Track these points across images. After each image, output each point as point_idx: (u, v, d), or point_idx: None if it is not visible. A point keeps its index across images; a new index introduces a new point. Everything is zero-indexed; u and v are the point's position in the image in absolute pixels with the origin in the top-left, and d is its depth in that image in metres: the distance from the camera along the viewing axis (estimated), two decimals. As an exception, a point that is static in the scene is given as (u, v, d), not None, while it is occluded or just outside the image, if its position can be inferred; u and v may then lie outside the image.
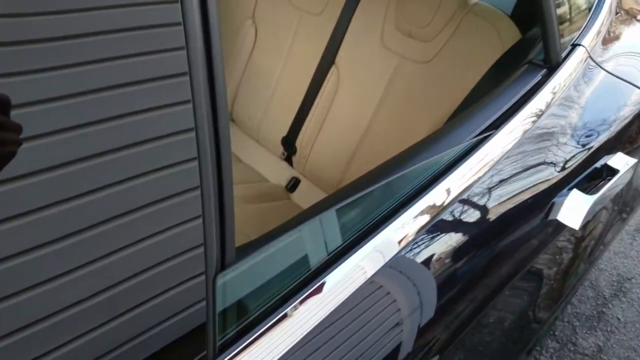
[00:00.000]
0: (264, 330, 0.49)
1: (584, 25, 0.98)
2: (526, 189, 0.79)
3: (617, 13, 1.13)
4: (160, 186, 0.37)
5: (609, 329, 1.67)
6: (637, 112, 1.01)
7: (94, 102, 0.33)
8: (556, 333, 1.64)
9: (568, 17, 0.95)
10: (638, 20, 1.19)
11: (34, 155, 0.31)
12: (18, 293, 0.32)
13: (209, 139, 0.39)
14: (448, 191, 0.68)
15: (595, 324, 1.68)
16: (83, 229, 0.34)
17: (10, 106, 0.30)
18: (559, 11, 0.90)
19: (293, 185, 1.38)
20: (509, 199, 0.76)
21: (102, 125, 0.33)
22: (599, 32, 0.99)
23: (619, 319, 1.70)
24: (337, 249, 0.57)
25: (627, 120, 0.97)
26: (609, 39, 1.04)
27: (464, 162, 0.70)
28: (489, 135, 0.74)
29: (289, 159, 1.38)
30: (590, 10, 1.03)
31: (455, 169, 0.69)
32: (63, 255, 0.34)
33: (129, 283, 0.37)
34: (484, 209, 0.73)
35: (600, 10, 1.04)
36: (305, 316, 0.52)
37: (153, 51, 0.35)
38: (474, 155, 0.71)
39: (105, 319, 0.37)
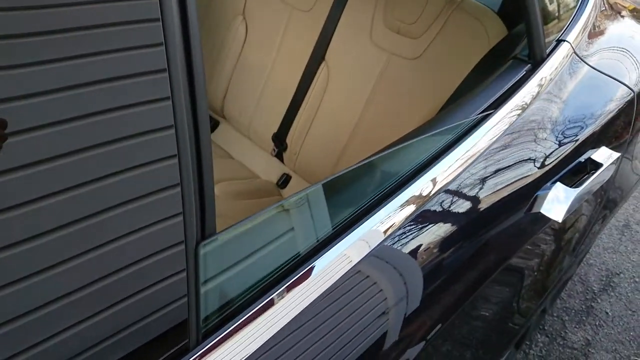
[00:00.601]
0: (250, 316, 0.49)
1: (569, 21, 0.99)
2: (510, 182, 0.80)
3: (602, 8, 1.15)
4: (141, 183, 0.37)
5: (597, 323, 1.69)
6: (621, 106, 1.02)
7: (73, 98, 0.33)
8: (545, 327, 1.66)
9: (556, 14, 0.96)
10: (622, 16, 1.21)
11: (18, 151, 0.31)
12: (3, 287, 0.32)
13: (189, 135, 0.39)
14: (432, 182, 0.69)
15: (584, 318, 1.70)
16: (67, 224, 0.34)
17: None
18: (549, 8, 0.92)
19: (284, 181, 1.39)
20: (493, 191, 0.77)
21: (84, 121, 0.34)
22: (584, 28, 1.00)
23: (607, 313, 1.73)
24: (324, 237, 0.58)
25: (611, 115, 0.99)
26: (594, 33, 1.05)
27: (449, 153, 0.71)
28: (473, 129, 0.75)
29: (279, 155, 1.39)
30: (576, 7, 1.04)
31: (440, 161, 0.70)
32: (45, 250, 0.34)
33: (111, 278, 0.38)
34: (468, 201, 0.74)
35: (586, 6, 1.05)
36: (290, 303, 0.53)
37: (132, 47, 0.35)
38: (458, 148, 0.72)
39: (87, 314, 0.37)
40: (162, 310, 0.42)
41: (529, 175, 0.82)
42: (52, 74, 0.32)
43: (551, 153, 0.86)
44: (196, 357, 0.45)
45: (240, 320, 0.48)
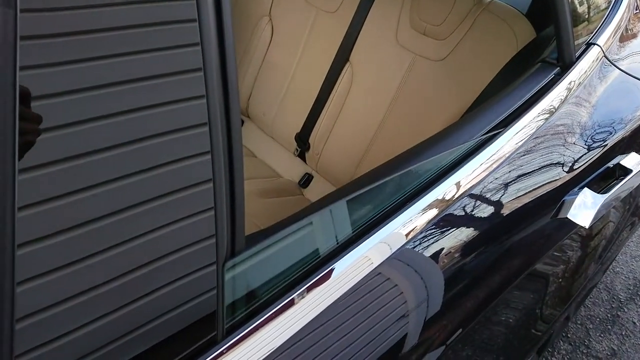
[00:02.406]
0: (271, 315, 0.50)
1: (600, 24, 0.97)
2: (537, 187, 0.79)
3: (636, 11, 1.12)
4: (174, 178, 0.38)
5: (623, 333, 1.65)
6: (653, 112, 1.00)
7: (111, 95, 0.34)
8: (569, 335, 1.63)
9: (586, 16, 0.94)
10: (657, 19, 1.18)
11: (53, 146, 0.33)
12: (35, 277, 0.34)
13: (222, 132, 0.40)
14: (457, 186, 0.69)
15: (609, 327, 1.66)
16: (100, 217, 0.36)
17: (30, 98, 0.31)
18: (579, 10, 0.90)
19: (306, 181, 1.40)
20: (518, 196, 0.76)
21: (119, 118, 0.35)
22: (615, 31, 0.98)
23: (634, 323, 1.68)
24: (345, 239, 0.59)
25: (642, 120, 0.97)
26: (626, 36, 1.03)
27: (474, 157, 0.71)
28: (499, 132, 0.74)
29: (302, 155, 1.40)
30: (608, 9, 1.02)
31: (465, 165, 0.70)
32: (81, 241, 0.35)
33: (144, 270, 0.39)
34: (492, 205, 0.73)
35: (619, 8, 1.03)
36: (311, 303, 0.54)
37: (169, 47, 0.36)
38: (483, 152, 0.72)
39: (120, 304, 0.39)
40: (193, 302, 0.43)
41: (555, 180, 0.81)
42: (92, 71, 0.33)
43: (579, 158, 0.84)
44: (223, 350, 0.46)
45: (266, 316, 0.50)
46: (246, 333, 0.48)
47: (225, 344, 0.46)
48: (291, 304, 0.52)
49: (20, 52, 0.30)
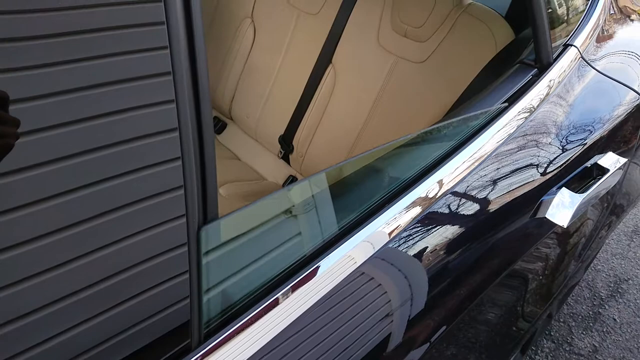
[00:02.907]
0: (253, 316, 0.50)
1: (577, 25, 0.99)
2: (516, 187, 0.80)
3: (611, 12, 1.14)
4: (145, 184, 0.38)
5: (605, 330, 1.68)
6: (629, 111, 1.02)
7: (79, 100, 0.33)
8: (552, 333, 1.65)
9: (565, 17, 0.96)
10: (632, 20, 1.20)
11: (28, 150, 0.32)
12: (8, 286, 0.33)
13: (193, 137, 0.39)
14: (439, 184, 0.69)
15: (591, 324, 1.69)
16: (72, 224, 0.35)
17: (8, 101, 0.30)
18: (558, 12, 0.91)
19: (290, 183, 1.39)
20: (499, 195, 0.77)
21: (87, 123, 0.34)
22: (592, 32, 1.00)
23: (615, 319, 1.71)
24: (329, 238, 0.58)
25: (618, 120, 0.98)
26: (602, 37, 1.05)
27: (454, 157, 0.71)
28: (477, 133, 0.75)
29: (286, 158, 1.40)
30: (584, 11, 1.04)
31: (447, 163, 0.70)
32: (56, 247, 0.35)
33: (116, 278, 0.38)
34: (474, 204, 0.74)
35: (594, 10, 1.05)
36: (295, 303, 0.53)
37: (138, 50, 0.35)
38: (463, 151, 0.72)
39: (93, 313, 0.38)
40: (166, 311, 0.42)
41: (534, 180, 0.82)
42: (61, 76, 0.32)
43: (557, 158, 0.86)
44: (198, 357, 0.45)
45: (244, 320, 0.49)
46: (226, 337, 0.47)
47: (204, 348, 0.46)
48: (275, 303, 0.52)
49: None
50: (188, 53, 0.38)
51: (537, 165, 0.83)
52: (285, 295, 0.53)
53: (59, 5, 0.32)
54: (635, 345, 1.63)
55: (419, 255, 0.67)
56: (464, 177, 0.72)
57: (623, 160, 0.92)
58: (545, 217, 0.81)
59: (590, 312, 1.73)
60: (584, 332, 1.66)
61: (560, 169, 0.86)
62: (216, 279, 0.47)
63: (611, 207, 1.11)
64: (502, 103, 0.79)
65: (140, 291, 0.40)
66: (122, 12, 0.34)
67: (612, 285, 1.84)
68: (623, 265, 1.92)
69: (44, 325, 0.36)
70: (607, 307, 1.75)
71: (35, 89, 0.32)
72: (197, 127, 0.40)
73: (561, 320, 1.70)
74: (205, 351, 0.46)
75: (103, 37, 0.34)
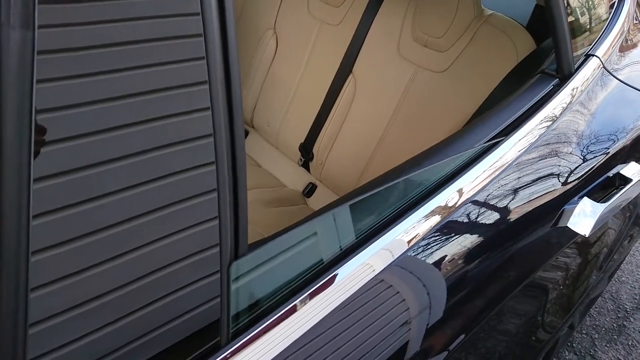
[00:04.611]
0: (275, 320, 0.51)
1: (599, 35, 0.99)
2: (537, 196, 0.80)
3: (636, 21, 1.13)
4: (180, 188, 0.40)
5: (630, 343, 1.64)
6: (653, 121, 1.01)
7: (117, 108, 0.35)
8: (574, 345, 1.62)
9: (588, 26, 0.96)
10: (656, 30, 1.19)
11: (64, 156, 0.34)
12: (43, 285, 0.35)
13: (226, 143, 0.41)
14: (459, 193, 0.70)
15: (615, 337, 1.65)
16: (106, 227, 0.37)
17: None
18: (581, 21, 0.91)
19: (310, 190, 1.41)
20: (519, 204, 0.77)
21: (127, 130, 0.36)
22: (614, 42, 1.00)
23: (640, 333, 1.67)
24: (348, 245, 0.59)
25: (641, 130, 0.98)
26: (626, 47, 1.04)
27: (474, 166, 0.72)
28: (499, 141, 0.75)
29: (306, 165, 1.42)
30: (608, 19, 1.03)
31: (467, 172, 0.71)
32: (87, 250, 0.36)
33: (150, 278, 0.40)
34: (494, 213, 0.74)
35: (618, 19, 1.04)
36: (314, 309, 0.55)
37: (176, 61, 0.37)
38: (483, 161, 0.73)
39: (126, 312, 0.40)
40: (198, 309, 0.44)
41: (555, 190, 0.82)
42: (99, 85, 0.34)
43: (578, 167, 0.85)
44: (227, 355, 0.47)
45: (270, 321, 0.50)
46: (250, 338, 0.49)
47: (230, 348, 0.48)
48: (294, 310, 0.53)
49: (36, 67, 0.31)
50: (223, 63, 0.40)
51: (559, 175, 0.83)
52: (304, 301, 0.54)
53: (103, 19, 0.34)
54: (661, 360, 1.59)
55: (438, 263, 0.67)
56: (485, 186, 0.72)
57: (646, 170, 0.91)
58: (567, 227, 0.81)
59: (615, 325, 1.70)
60: (608, 345, 1.63)
61: (582, 178, 0.85)
62: (243, 283, 0.48)
63: (634, 218, 1.09)
64: (522, 113, 0.80)
65: (173, 290, 0.42)
66: (163, 25, 0.36)
67: (637, 297, 1.80)
68: (649, 278, 1.87)
69: (80, 323, 0.37)
70: (632, 319, 1.72)
71: (77, 98, 0.34)
72: (230, 133, 0.41)
73: (584, 332, 1.67)
74: (233, 349, 0.47)
75: (144, 48, 0.36)
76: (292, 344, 0.52)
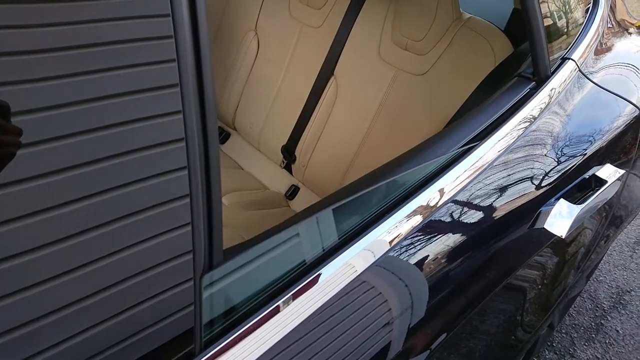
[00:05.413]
0: (252, 326, 0.51)
1: (575, 38, 1.01)
2: (516, 197, 0.81)
3: (609, 25, 1.16)
4: (151, 193, 0.39)
5: (607, 341, 1.67)
6: (627, 123, 1.03)
7: (85, 111, 0.34)
8: (554, 344, 1.65)
9: (565, 30, 0.97)
10: (630, 33, 1.22)
11: (31, 161, 0.33)
12: (12, 294, 0.34)
13: (199, 147, 0.40)
14: (439, 194, 0.70)
15: (593, 335, 1.68)
16: (78, 233, 0.36)
17: (9, 111, 0.31)
18: (558, 24, 0.93)
19: (292, 192, 1.41)
20: (499, 204, 0.78)
21: (97, 134, 0.35)
22: (589, 45, 1.02)
23: (617, 331, 1.70)
24: (330, 246, 0.59)
25: (617, 132, 1.00)
26: (600, 50, 1.06)
27: (452, 169, 0.72)
28: (476, 144, 0.76)
29: (288, 167, 1.41)
30: (583, 23, 1.05)
31: (447, 173, 0.71)
32: (58, 257, 0.35)
33: (122, 285, 0.39)
34: (474, 213, 0.75)
35: (593, 23, 1.06)
36: (296, 310, 0.54)
37: (145, 63, 0.36)
38: (461, 163, 0.73)
39: (97, 320, 0.39)
40: (171, 318, 0.43)
41: (532, 191, 0.83)
42: (70, 87, 0.33)
43: (555, 169, 0.87)
44: None
45: (245, 328, 0.50)
46: (225, 346, 0.48)
47: (203, 357, 0.47)
48: (275, 312, 0.53)
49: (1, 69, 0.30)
50: (195, 65, 0.39)
51: (536, 176, 0.84)
52: (286, 303, 0.54)
53: (71, 20, 0.33)
54: (638, 357, 1.63)
55: (420, 263, 0.68)
56: (465, 186, 0.73)
57: (621, 171, 0.93)
58: (544, 228, 0.82)
59: (593, 324, 1.73)
60: (587, 344, 1.66)
61: (558, 180, 0.87)
62: (218, 288, 0.48)
63: (610, 218, 1.12)
64: (499, 116, 0.81)
65: (146, 297, 0.41)
66: (132, 26, 0.35)
67: (614, 296, 1.83)
68: (625, 277, 1.91)
69: (52, 331, 0.36)
70: (609, 318, 1.75)
71: (45, 101, 0.33)
72: (204, 137, 0.40)
73: (563, 331, 1.69)
74: (208, 357, 0.47)
75: (113, 50, 0.35)
76: (272, 346, 0.52)
